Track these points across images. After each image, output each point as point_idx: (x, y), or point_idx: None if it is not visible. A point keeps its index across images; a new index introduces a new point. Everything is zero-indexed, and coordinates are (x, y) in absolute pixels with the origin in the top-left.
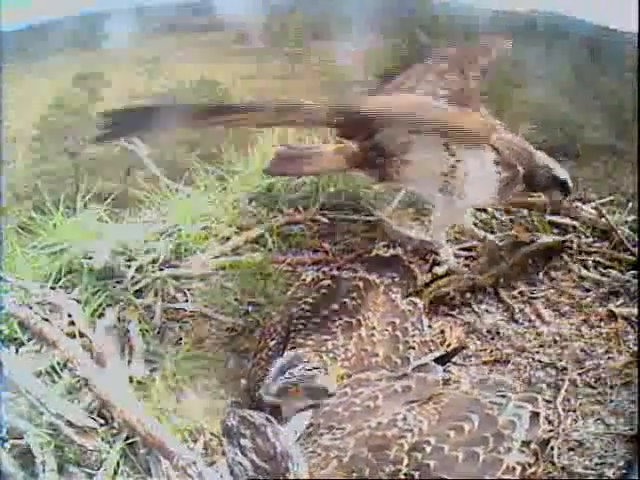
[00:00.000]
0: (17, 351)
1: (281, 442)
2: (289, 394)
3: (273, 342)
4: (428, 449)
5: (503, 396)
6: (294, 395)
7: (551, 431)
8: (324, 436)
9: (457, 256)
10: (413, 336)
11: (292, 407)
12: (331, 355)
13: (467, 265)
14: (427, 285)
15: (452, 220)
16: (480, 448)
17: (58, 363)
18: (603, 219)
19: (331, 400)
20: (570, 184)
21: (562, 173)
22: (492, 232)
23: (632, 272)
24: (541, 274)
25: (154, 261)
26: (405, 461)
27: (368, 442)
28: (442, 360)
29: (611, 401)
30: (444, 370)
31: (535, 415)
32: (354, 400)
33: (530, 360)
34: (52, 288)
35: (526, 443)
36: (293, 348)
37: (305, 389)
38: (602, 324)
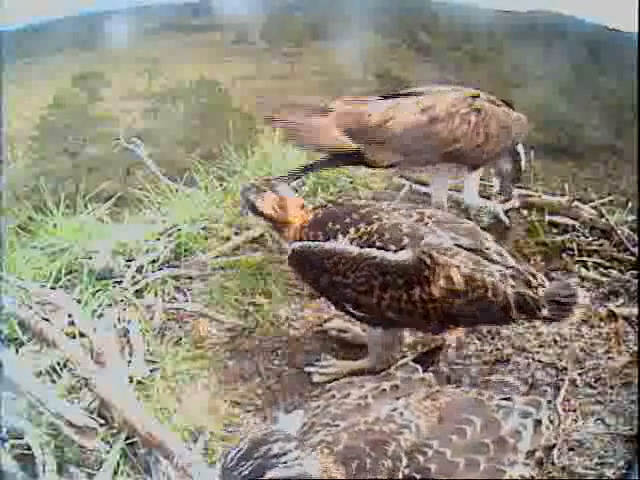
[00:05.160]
0: (17, 351)
1: None
2: None
3: None
4: (430, 452)
5: (507, 399)
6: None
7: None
8: (320, 433)
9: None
10: None
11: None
12: None
13: None
14: None
15: None
16: (481, 456)
17: (58, 363)
18: (603, 219)
19: (320, 402)
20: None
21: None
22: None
23: (632, 272)
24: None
25: (154, 261)
26: (404, 461)
27: (364, 436)
28: (423, 361)
29: (611, 401)
30: (424, 371)
31: (538, 423)
32: (344, 400)
33: (530, 360)
34: (52, 288)
35: (530, 452)
36: None
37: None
38: (602, 324)
